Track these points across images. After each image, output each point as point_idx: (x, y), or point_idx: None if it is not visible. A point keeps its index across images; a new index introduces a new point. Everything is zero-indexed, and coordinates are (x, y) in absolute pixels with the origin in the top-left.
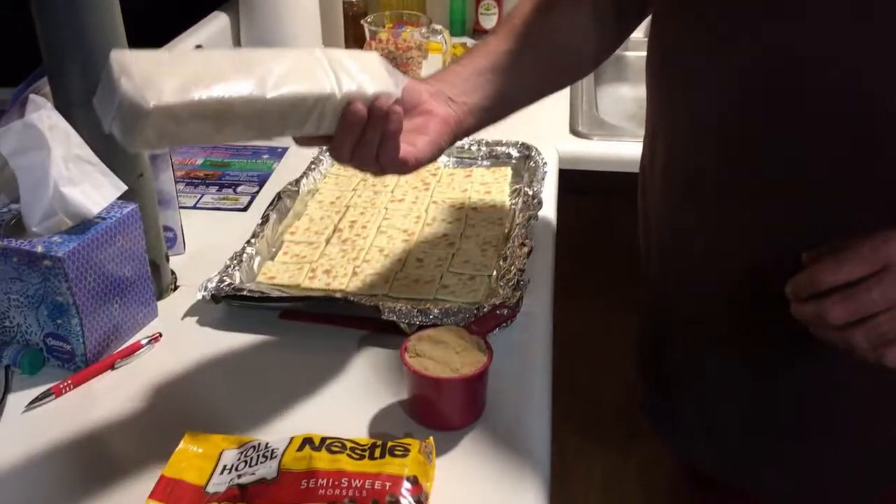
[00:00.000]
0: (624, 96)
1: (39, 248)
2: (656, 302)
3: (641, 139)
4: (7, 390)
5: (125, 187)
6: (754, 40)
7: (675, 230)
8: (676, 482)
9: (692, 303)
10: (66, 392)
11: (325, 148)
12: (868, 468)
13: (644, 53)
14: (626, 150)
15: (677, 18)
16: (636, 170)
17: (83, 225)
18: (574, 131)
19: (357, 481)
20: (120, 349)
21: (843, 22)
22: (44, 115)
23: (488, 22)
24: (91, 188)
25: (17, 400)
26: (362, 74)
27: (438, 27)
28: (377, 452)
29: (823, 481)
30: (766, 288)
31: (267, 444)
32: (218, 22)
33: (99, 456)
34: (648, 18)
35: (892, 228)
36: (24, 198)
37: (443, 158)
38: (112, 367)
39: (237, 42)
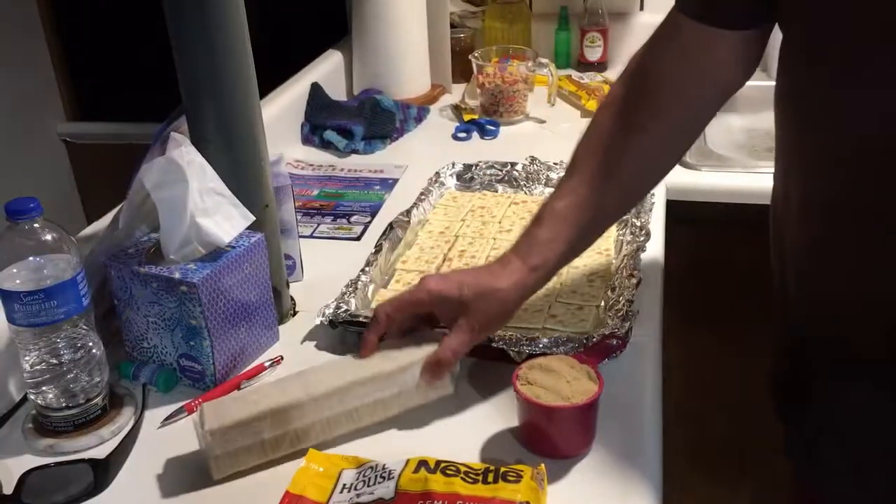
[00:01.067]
0: (733, 126)
1: (177, 275)
2: (794, 334)
3: (751, 170)
4: (144, 407)
5: (253, 218)
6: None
7: (818, 264)
8: None
9: (838, 333)
10: (197, 410)
11: (431, 181)
12: None
13: (755, 82)
14: (735, 180)
15: (808, 61)
16: (746, 200)
17: (215, 253)
18: (682, 162)
19: None
20: (245, 370)
21: None
22: (183, 151)
23: (593, 54)
24: (223, 219)
25: (153, 416)
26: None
27: (544, 60)
28: (490, 477)
29: None
30: None
31: (384, 465)
32: (332, 59)
33: None
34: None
35: None
36: (163, 227)
37: (550, 188)
38: (238, 388)
39: (349, 77)
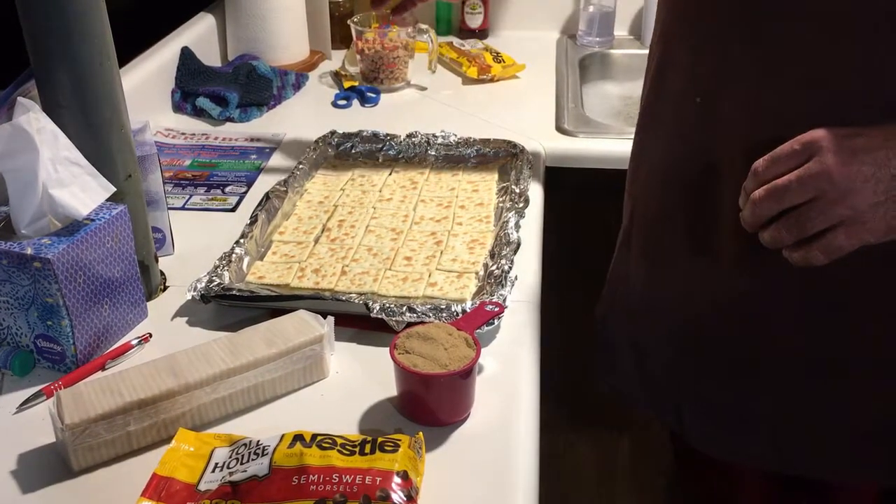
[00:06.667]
0: (609, 93)
1: (29, 250)
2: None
3: (626, 136)
4: None
5: (114, 189)
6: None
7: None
8: (667, 467)
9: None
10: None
11: (310, 149)
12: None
13: (630, 51)
14: (611, 146)
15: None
16: (622, 166)
17: (72, 226)
18: (560, 129)
19: (348, 477)
20: (110, 350)
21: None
22: (32, 118)
23: (474, 21)
24: (80, 190)
25: (8, 401)
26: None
27: (424, 27)
28: (367, 448)
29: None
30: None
31: (258, 441)
32: (204, 23)
33: None
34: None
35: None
36: (12, 200)
37: (430, 157)
38: (103, 368)
39: (223, 42)
